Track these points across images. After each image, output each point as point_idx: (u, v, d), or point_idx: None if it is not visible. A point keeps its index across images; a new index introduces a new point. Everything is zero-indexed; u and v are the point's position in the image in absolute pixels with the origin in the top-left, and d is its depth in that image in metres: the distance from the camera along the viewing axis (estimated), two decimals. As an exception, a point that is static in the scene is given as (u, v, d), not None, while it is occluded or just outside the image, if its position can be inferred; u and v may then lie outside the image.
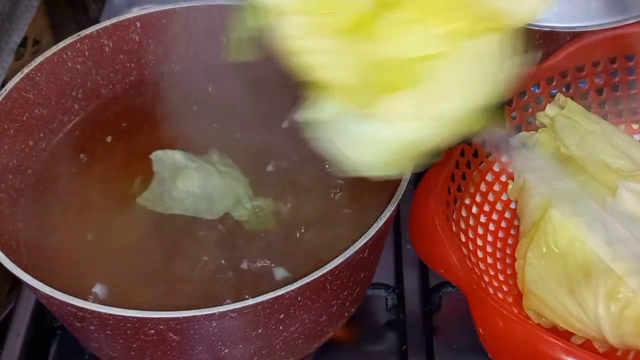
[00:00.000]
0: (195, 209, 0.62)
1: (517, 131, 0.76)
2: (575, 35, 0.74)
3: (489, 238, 0.72)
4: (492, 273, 0.69)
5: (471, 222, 0.72)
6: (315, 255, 0.59)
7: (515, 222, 0.73)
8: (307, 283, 0.52)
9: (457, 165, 0.70)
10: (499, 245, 0.72)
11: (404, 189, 0.56)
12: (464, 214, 0.71)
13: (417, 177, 0.72)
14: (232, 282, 0.59)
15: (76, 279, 0.58)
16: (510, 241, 0.72)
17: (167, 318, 0.50)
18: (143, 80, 0.74)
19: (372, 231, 0.54)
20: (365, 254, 0.57)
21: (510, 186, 0.75)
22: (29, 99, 0.66)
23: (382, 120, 0.49)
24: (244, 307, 0.50)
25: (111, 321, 0.52)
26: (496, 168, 0.75)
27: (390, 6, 0.46)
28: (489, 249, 0.71)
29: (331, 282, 0.55)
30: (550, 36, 0.75)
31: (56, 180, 0.66)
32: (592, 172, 0.64)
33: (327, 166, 0.66)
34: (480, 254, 0.70)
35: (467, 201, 0.72)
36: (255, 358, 0.59)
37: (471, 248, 0.69)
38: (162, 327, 0.52)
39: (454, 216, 0.69)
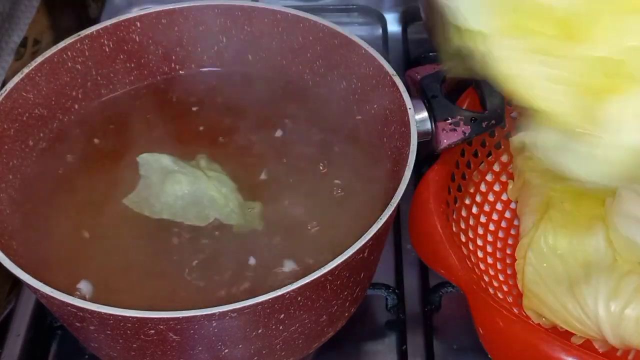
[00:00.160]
0: (183, 213, 0.62)
1: (517, 131, 0.76)
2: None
3: (489, 238, 0.72)
4: (492, 273, 0.69)
5: (471, 222, 0.72)
6: (315, 255, 0.59)
7: (515, 222, 0.73)
8: (307, 283, 0.52)
9: (457, 165, 0.70)
10: (499, 245, 0.72)
11: (404, 189, 0.56)
12: (464, 214, 0.71)
13: (417, 177, 0.72)
14: (225, 283, 0.59)
15: (70, 278, 0.59)
16: (510, 241, 0.72)
17: (167, 318, 0.50)
18: (143, 80, 0.74)
19: (372, 231, 0.54)
20: (365, 254, 0.57)
21: (510, 186, 0.75)
22: (29, 99, 0.66)
23: (607, 130, 0.46)
24: (244, 307, 0.50)
25: (111, 321, 0.52)
26: (496, 168, 0.75)
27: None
28: (489, 249, 0.71)
29: (331, 282, 0.55)
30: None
31: (56, 181, 0.66)
32: None
33: (321, 168, 0.66)
34: (480, 254, 0.70)
35: (467, 201, 0.72)
36: (255, 358, 0.59)
37: (471, 248, 0.69)
38: (162, 327, 0.52)
39: (454, 216, 0.69)
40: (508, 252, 0.71)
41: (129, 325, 0.52)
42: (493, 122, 0.66)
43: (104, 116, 0.71)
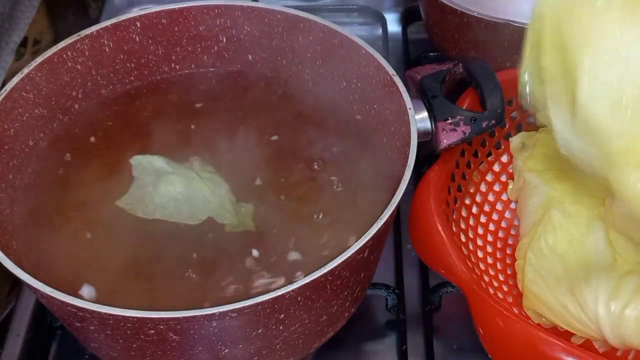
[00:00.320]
0: (177, 214, 0.62)
1: (517, 131, 0.76)
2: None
3: (489, 238, 0.72)
4: (492, 273, 0.69)
5: (471, 222, 0.72)
6: (315, 255, 0.59)
7: (515, 222, 0.73)
8: (307, 283, 0.52)
9: (457, 165, 0.70)
10: (499, 245, 0.72)
11: (404, 189, 0.56)
12: (464, 214, 0.71)
13: (417, 177, 0.72)
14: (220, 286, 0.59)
15: (71, 277, 0.59)
16: (510, 241, 0.72)
17: (167, 318, 0.50)
18: (143, 80, 0.74)
19: (372, 231, 0.54)
20: (365, 254, 0.57)
21: (510, 186, 0.75)
22: (29, 99, 0.66)
23: None
24: (244, 307, 0.50)
25: (111, 321, 0.52)
26: (496, 168, 0.75)
27: None
28: (489, 249, 0.71)
29: (331, 282, 0.55)
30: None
31: (56, 181, 0.66)
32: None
33: (316, 166, 0.66)
34: (480, 254, 0.70)
35: (467, 201, 0.72)
36: (255, 358, 0.59)
37: (471, 248, 0.69)
38: (162, 327, 0.52)
39: (454, 216, 0.69)
40: (508, 252, 0.71)
41: (129, 325, 0.52)
42: (493, 122, 0.66)
43: (103, 116, 0.71)
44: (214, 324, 0.52)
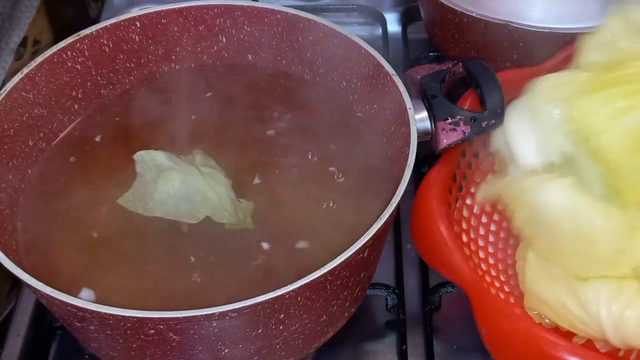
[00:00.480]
0: (175, 211, 0.62)
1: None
2: (575, 37, 0.74)
3: (491, 238, 0.72)
4: (494, 273, 0.69)
5: (473, 222, 0.72)
6: (315, 254, 0.59)
7: (516, 223, 0.73)
8: (307, 283, 0.51)
9: (459, 165, 0.70)
10: (500, 245, 0.72)
11: (404, 189, 0.56)
12: (465, 214, 0.71)
13: (417, 177, 0.72)
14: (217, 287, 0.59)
15: (71, 277, 0.59)
16: (512, 242, 0.72)
17: (167, 318, 0.50)
18: (143, 80, 0.74)
19: (372, 231, 0.54)
20: (365, 254, 0.57)
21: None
22: (29, 99, 0.66)
23: None
24: (244, 307, 0.50)
25: (111, 321, 0.52)
26: (497, 168, 0.75)
27: None
28: (490, 250, 0.71)
29: (331, 282, 0.55)
30: (551, 37, 0.75)
31: (56, 180, 0.66)
32: None
33: (309, 156, 0.66)
34: (482, 254, 0.70)
35: (468, 201, 0.72)
36: (255, 358, 0.59)
37: (473, 248, 0.69)
38: (162, 327, 0.52)
39: (455, 216, 0.69)
40: (510, 252, 0.71)
41: (129, 325, 0.52)
42: (493, 121, 0.66)
43: (103, 116, 0.71)
44: (214, 324, 0.52)
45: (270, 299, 0.51)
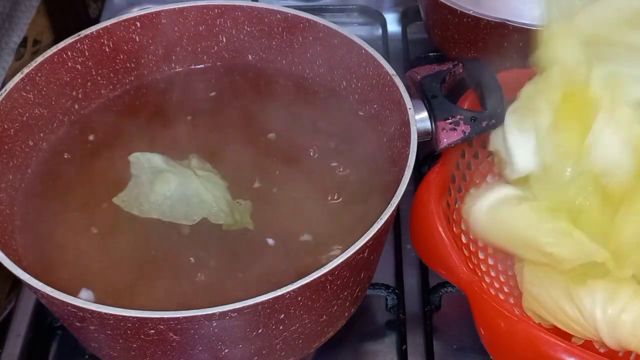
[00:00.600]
0: (172, 213, 0.62)
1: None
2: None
3: (490, 239, 0.72)
4: (493, 274, 0.69)
5: (472, 223, 0.71)
6: (315, 256, 0.59)
7: (516, 223, 0.73)
8: (307, 283, 0.51)
9: (458, 166, 0.70)
10: (499, 246, 0.72)
11: (404, 189, 0.56)
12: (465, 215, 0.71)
13: (417, 177, 0.72)
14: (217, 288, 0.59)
15: (72, 277, 0.59)
16: (511, 242, 0.72)
17: (167, 318, 0.50)
18: (143, 80, 0.74)
19: (372, 231, 0.54)
20: (365, 254, 0.57)
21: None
22: (29, 99, 0.66)
23: None
24: (244, 307, 0.50)
25: (111, 321, 0.52)
26: (497, 169, 0.75)
27: None
28: (489, 251, 0.71)
29: (331, 282, 0.55)
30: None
31: (56, 180, 0.66)
32: None
33: (309, 156, 0.66)
34: (481, 255, 0.70)
35: (467, 201, 0.72)
36: (255, 358, 0.59)
37: (472, 249, 0.69)
38: (162, 327, 0.52)
39: (454, 217, 0.69)
40: (508, 252, 0.71)
41: (129, 325, 0.52)
42: (493, 121, 0.66)
43: (104, 116, 0.71)
44: (214, 324, 0.52)
45: (270, 299, 0.51)
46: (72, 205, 0.64)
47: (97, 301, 0.52)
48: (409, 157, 0.59)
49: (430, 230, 0.62)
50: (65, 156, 0.67)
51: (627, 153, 0.60)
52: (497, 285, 0.68)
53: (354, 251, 0.53)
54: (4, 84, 0.65)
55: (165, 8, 0.71)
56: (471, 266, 0.64)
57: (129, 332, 0.53)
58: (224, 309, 0.50)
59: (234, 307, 0.50)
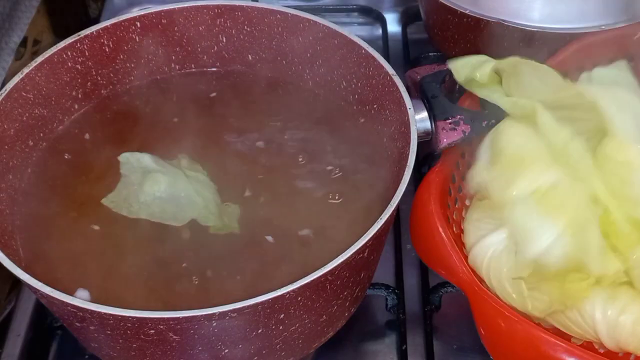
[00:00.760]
0: (161, 214, 0.62)
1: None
2: (575, 37, 0.74)
3: (490, 239, 0.72)
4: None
5: (471, 222, 0.71)
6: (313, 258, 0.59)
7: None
8: (307, 283, 0.52)
9: (458, 166, 0.70)
10: (499, 245, 0.72)
11: (404, 189, 0.56)
12: (464, 215, 0.71)
13: (417, 177, 0.72)
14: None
15: (71, 277, 0.59)
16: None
17: (167, 318, 0.50)
18: (143, 80, 0.74)
19: (372, 231, 0.54)
20: (365, 254, 0.57)
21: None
22: (29, 99, 0.66)
23: None
24: (244, 307, 0.50)
25: (111, 321, 0.52)
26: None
27: None
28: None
29: (331, 282, 0.55)
30: (551, 37, 0.75)
31: (56, 180, 0.66)
32: None
33: (309, 156, 0.66)
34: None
35: (468, 202, 0.72)
36: (255, 358, 0.59)
37: (472, 249, 0.69)
38: (162, 327, 0.52)
39: (454, 217, 0.69)
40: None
41: (129, 325, 0.52)
42: (493, 121, 0.66)
43: (103, 116, 0.71)
44: (214, 324, 0.52)
45: (270, 299, 0.51)
46: (72, 205, 0.64)
47: (94, 301, 0.52)
48: (409, 157, 0.59)
49: (430, 230, 0.62)
50: (65, 156, 0.67)
51: None
52: (497, 285, 0.68)
53: (354, 251, 0.53)
54: (4, 84, 0.65)
55: (165, 8, 0.71)
56: (471, 266, 0.64)
57: (129, 332, 0.53)
58: (224, 309, 0.50)
59: (234, 307, 0.50)
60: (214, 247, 0.61)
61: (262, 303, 0.51)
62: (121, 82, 0.73)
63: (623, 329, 0.58)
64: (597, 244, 0.57)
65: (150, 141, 0.68)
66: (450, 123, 0.65)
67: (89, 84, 0.71)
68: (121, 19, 0.70)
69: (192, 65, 0.75)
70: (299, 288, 0.51)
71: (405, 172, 0.57)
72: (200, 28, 0.73)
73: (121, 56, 0.72)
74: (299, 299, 0.54)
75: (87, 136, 0.69)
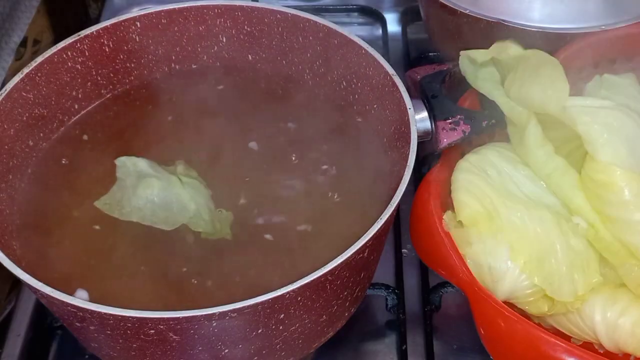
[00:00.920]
0: (152, 217, 0.62)
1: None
2: (575, 37, 0.74)
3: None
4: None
5: (471, 222, 0.71)
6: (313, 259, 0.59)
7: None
8: (307, 283, 0.52)
9: (458, 165, 0.70)
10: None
11: (404, 189, 0.56)
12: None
13: (417, 177, 0.72)
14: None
15: (72, 277, 0.59)
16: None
17: (167, 318, 0.50)
18: (143, 80, 0.74)
19: (372, 231, 0.54)
20: (365, 254, 0.57)
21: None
22: (29, 99, 0.66)
23: None
24: (244, 307, 0.50)
25: (111, 321, 0.52)
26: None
27: None
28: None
29: (331, 282, 0.55)
30: (551, 37, 0.75)
31: (56, 181, 0.66)
32: None
33: (309, 156, 0.66)
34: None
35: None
36: (255, 358, 0.59)
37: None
38: (162, 327, 0.52)
39: (454, 217, 0.69)
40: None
41: (129, 325, 0.52)
42: (493, 121, 0.66)
43: (103, 116, 0.71)
44: (214, 324, 0.52)
45: (270, 299, 0.51)
46: (72, 205, 0.64)
47: (94, 301, 0.52)
48: (409, 157, 0.59)
49: (429, 230, 0.62)
50: (65, 156, 0.67)
51: None
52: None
53: (354, 251, 0.53)
54: (4, 84, 0.65)
55: (165, 8, 0.71)
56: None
57: (129, 332, 0.53)
58: (224, 309, 0.50)
59: (234, 307, 0.50)
60: (215, 248, 0.61)
61: (262, 303, 0.51)
62: (121, 82, 0.73)
63: (622, 331, 0.58)
64: (559, 271, 0.59)
65: (149, 142, 0.68)
66: (450, 123, 0.65)
67: (89, 84, 0.71)
68: (121, 19, 0.70)
69: (192, 65, 0.75)
70: (299, 288, 0.51)
71: (405, 172, 0.57)
72: (200, 28, 0.73)
73: (121, 56, 0.72)
74: (299, 299, 0.54)
75: (87, 136, 0.69)
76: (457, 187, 0.63)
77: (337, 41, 0.69)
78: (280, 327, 0.56)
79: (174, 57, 0.74)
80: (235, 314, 0.51)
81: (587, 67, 0.74)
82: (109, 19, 0.70)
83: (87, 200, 0.64)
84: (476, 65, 0.68)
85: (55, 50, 0.67)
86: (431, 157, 0.81)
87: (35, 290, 0.53)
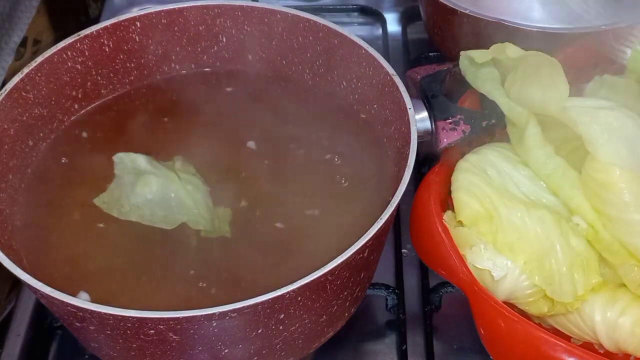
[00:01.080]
0: (151, 216, 0.62)
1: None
2: (575, 37, 0.74)
3: (489, 238, 0.72)
4: (492, 273, 0.69)
5: (471, 222, 0.71)
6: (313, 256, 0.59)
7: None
8: (307, 283, 0.52)
9: (458, 166, 0.70)
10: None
11: (404, 189, 0.56)
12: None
13: (417, 177, 0.72)
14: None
15: (71, 277, 0.59)
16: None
17: (167, 318, 0.50)
18: (143, 80, 0.74)
19: (372, 231, 0.54)
20: (365, 254, 0.57)
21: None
22: (29, 99, 0.66)
23: None
24: (244, 307, 0.50)
25: (111, 321, 0.52)
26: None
27: None
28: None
29: (331, 282, 0.55)
30: (551, 37, 0.75)
31: (56, 180, 0.66)
32: None
33: (309, 156, 0.66)
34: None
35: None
36: (255, 358, 0.59)
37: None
38: (162, 327, 0.52)
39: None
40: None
41: (129, 325, 0.52)
42: (493, 121, 0.66)
43: (104, 116, 0.71)
44: (214, 324, 0.52)
45: (270, 299, 0.51)
46: (72, 205, 0.64)
47: (94, 301, 0.52)
48: (409, 157, 0.59)
49: (429, 230, 0.62)
50: (66, 156, 0.67)
51: None
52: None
53: (354, 251, 0.53)
54: (4, 84, 0.65)
55: (165, 8, 0.71)
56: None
57: (128, 332, 0.53)
58: (224, 309, 0.50)
59: (234, 307, 0.50)
60: (215, 247, 0.61)
61: (262, 303, 0.51)
62: (121, 82, 0.73)
63: (622, 331, 0.58)
64: (559, 271, 0.59)
65: (149, 142, 0.68)
66: (450, 123, 0.65)
67: (89, 84, 0.71)
68: (121, 19, 0.70)
69: (192, 65, 0.75)
70: (299, 288, 0.51)
71: (405, 172, 0.57)
72: (200, 28, 0.73)
73: (121, 56, 0.72)
74: (299, 299, 0.54)
75: (87, 136, 0.69)
76: (457, 187, 0.63)
77: (337, 41, 0.69)
78: (280, 327, 0.56)
79: (174, 57, 0.74)
80: (235, 314, 0.51)
81: (587, 67, 0.74)
82: (109, 19, 0.70)
83: (87, 199, 0.64)
84: (476, 66, 0.68)
85: (55, 50, 0.67)
86: (431, 157, 0.81)
87: (35, 291, 0.53)
